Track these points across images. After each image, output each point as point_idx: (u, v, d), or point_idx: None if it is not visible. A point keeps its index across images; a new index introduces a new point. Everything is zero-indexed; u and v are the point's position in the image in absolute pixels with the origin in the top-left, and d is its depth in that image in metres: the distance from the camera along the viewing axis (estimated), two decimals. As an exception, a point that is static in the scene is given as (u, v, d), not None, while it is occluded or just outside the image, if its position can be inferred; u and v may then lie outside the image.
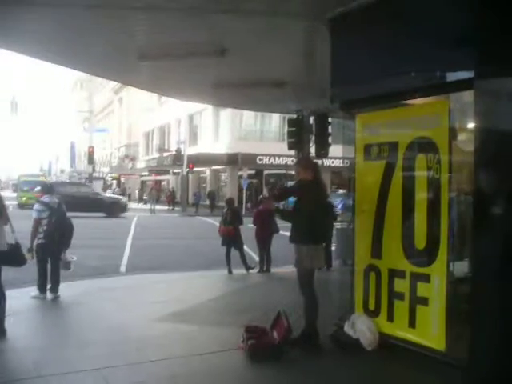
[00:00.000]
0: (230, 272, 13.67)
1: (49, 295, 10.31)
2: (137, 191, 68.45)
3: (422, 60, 6.58)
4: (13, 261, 8.02)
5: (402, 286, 7.18)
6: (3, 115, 55.26)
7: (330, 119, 16.64)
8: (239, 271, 13.83)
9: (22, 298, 10.04)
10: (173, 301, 10.30)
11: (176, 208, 49.32)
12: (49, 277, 10.34)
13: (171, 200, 52.22)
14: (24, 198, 45.15)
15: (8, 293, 8.02)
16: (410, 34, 6.69)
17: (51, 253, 10.27)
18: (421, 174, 7.00)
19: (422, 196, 7.01)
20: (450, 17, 6.16)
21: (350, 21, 7.46)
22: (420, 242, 6.99)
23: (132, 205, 56.76)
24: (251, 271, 13.89)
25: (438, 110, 6.79)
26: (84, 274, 12.94)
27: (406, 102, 7.45)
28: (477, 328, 5.77)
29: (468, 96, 6.33)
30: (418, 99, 7.15)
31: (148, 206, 47.79)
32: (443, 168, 6.62)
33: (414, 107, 7.38)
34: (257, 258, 14.56)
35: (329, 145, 16.76)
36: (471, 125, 6.61)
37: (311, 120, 17.03)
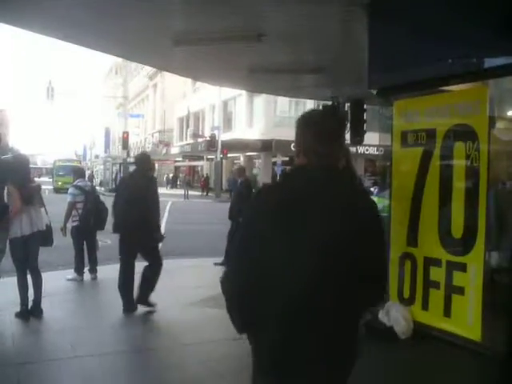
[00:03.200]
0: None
1: (88, 275, 10.84)
2: (165, 176, 68.94)
3: (461, 45, 6.47)
4: (47, 241, 8.20)
5: (437, 274, 7.10)
6: (39, 101, 56.09)
7: (365, 106, 16.49)
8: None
9: (58, 280, 10.22)
10: (205, 286, 10.33)
11: (210, 194, 49.45)
12: (87, 258, 10.82)
13: (205, 186, 52.37)
14: (60, 183, 45.90)
15: (44, 275, 8.16)
16: (449, 19, 6.56)
17: (87, 235, 10.63)
18: (459, 161, 6.90)
19: (459, 184, 6.91)
20: (490, 1, 6.04)
21: (389, 6, 7.35)
22: (457, 230, 6.90)
23: (163, 190, 57.26)
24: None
25: (477, 96, 6.68)
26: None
27: (444, 88, 7.34)
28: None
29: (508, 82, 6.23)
30: (457, 85, 7.04)
31: (180, 192, 48.02)
32: (482, 156, 6.51)
33: (453, 94, 7.27)
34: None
35: (364, 132, 16.62)
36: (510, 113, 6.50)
37: (346, 107, 16.90)
